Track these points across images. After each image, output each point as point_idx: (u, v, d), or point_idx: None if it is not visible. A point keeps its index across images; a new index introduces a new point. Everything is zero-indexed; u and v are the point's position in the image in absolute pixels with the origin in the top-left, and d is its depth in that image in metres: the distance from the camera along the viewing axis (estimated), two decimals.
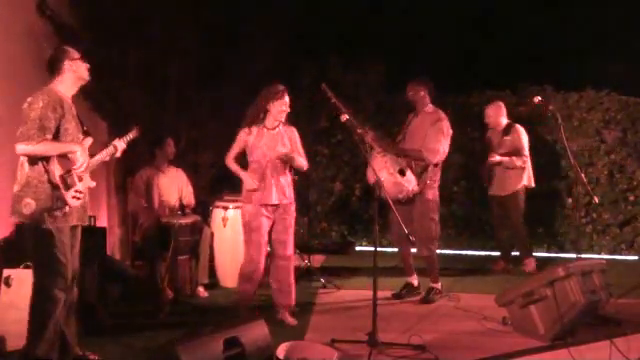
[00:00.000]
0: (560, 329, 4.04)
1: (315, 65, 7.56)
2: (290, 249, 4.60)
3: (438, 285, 5.27)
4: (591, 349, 3.92)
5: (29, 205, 3.40)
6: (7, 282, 3.87)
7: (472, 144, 7.56)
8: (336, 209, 7.77)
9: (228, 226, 5.55)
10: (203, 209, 5.82)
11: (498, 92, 7.66)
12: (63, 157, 3.47)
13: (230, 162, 4.64)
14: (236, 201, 5.65)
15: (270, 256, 4.66)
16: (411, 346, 3.95)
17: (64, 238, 3.49)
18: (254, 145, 4.52)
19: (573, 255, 6.47)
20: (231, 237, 5.54)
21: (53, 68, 3.58)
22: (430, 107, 5.25)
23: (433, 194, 5.16)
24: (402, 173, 5.02)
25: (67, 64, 3.57)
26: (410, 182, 5.02)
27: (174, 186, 5.52)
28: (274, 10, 6.40)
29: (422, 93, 5.25)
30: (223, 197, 5.84)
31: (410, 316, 4.74)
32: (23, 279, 3.86)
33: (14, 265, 3.94)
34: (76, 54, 3.64)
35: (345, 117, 4.33)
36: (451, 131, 5.17)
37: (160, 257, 5.06)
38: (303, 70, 7.46)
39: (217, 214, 5.64)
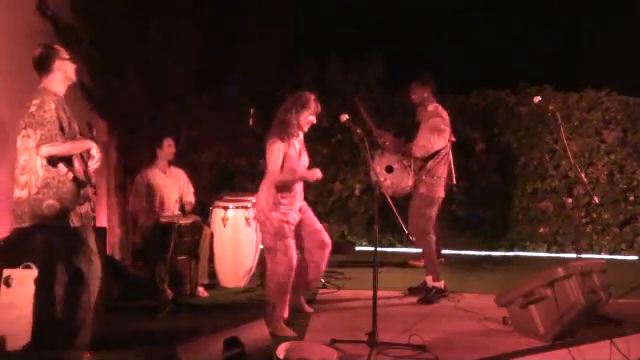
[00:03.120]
0: (560, 329, 4.04)
1: (315, 65, 7.56)
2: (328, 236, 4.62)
3: (439, 284, 5.23)
4: (591, 349, 3.91)
5: (52, 206, 3.41)
6: (7, 282, 3.87)
7: (472, 144, 7.57)
8: (336, 209, 7.77)
9: (228, 226, 5.55)
10: (203, 209, 5.81)
11: (498, 92, 7.68)
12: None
13: (279, 176, 4.33)
14: (236, 201, 5.67)
15: (306, 253, 4.64)
16: (411, 346, 3.95)
17: (86, 234, 3.55)
18: (290, 155, 4.36)
19: (573, 255, 6.46)
20: (231, 237, 5.54)
21: (42, 67, 3.55)
22: (432, 106, 5.27)
23: (427, 189, 5.17)
24: (389, 170, 5.06)
25: (57, 63, 3.56)
26: (401, 178, 5.04)
27: (174, 186, 5.52)
28: (274, 10, 6.40)
29: (425, 95, 5.28)
30: (223, 197, 5.84)
31: (410, 316, 4.74)
32: (23, 279, 3.86)
33: (14, 265, 3.94)
34: (65, 54, 3.61)
35: (345, 117, 4.32)
36: (444, 127, 5.17)
37: (160, 257, 5.05)
38: (303, 70, 7.46)
39: (217, 214, 5.64)
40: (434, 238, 5.32)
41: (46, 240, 3.51)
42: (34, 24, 5.17)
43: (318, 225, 4.63)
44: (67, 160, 3.45)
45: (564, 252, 7.40)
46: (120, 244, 6.47)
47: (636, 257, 7.36)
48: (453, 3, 8.00)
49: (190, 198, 5.61)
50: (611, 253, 7.40)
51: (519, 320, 4.32)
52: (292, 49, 6.88)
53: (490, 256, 7.39)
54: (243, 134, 6.50)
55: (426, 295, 5.19)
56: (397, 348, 3.94)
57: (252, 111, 5.76)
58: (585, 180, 5.60)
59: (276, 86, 6.47)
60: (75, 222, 3.48)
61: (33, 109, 3.40)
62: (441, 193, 5.26)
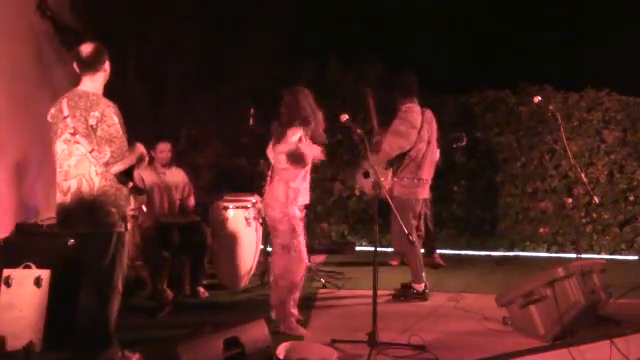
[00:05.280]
0: (560, 329, 4.04)
1: (315, 65, 7.56)
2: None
3: (418, 286, 5.22)
4: (591, 349, 3.90)
5: (112, 214, 3.40)
6: (7, 282, 3.87)
7: (472, 144, 7.56)
8: (336, 209, 7.77)
9: (228, 226, 5.55)
10: (203, 209, 5.81)
11: (498, 92, 7.68)
12: None
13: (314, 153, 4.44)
14: (236, 201, 5.66)
15: None
16: (411, 346, 3.95)
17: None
18: (306, 142, 4.43)
19: (573, 255, 6.46)
20: (231, 237, 5.54)
21: (90, 66, 3.48)
22: (405, 106, 5.24)
23: (399, 191, 5.18)
24: (366, 175, 5.08)
25: (106, 65, 3.53)
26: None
27: (174, 186, 5.52)
28: (274, 10, 6.40)
29: (397, 101, 5.28)
30: (223, 197, 5.84)
31: (410, 316, 4.74)
32: (23, 279, 3.87)
33: (14, 265, 3.94)
34: (107, 54, 3.58)
35: (345, 117, 4.31)
36: (405, 129, 5.14)
37: (160, 257, 5.06)
38: (303, 70, 7.46)
39: (217, 214, 5.64)
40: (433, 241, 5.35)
41: (99, 246, 3.44)
42: (34, 24, 5.17)
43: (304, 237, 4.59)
44: (132, 170, 3.47)
45: (564, 252, 7.40)
46: None
47: (636, 257, 7.37)
48: (453, 3, 8.00)
49: (190, 198, 5.61)
50: (611, 253, 7.40)
51: (519, 320, 4.32)
52: (292, 49, 6.88)
53: (490, 256, 7.39)
54: (243, 134, 6.51)
55: (402, 292, 5.22)
56: (397, 348, 3.94)
57: (252, 111, 5.76)
58: (585, 180, 5.60)
59: (276, 86, 6.48)
60: (129, 227, 3.51)
61: (92, 122, 3.33)
62: (419, 195, 5.23)
